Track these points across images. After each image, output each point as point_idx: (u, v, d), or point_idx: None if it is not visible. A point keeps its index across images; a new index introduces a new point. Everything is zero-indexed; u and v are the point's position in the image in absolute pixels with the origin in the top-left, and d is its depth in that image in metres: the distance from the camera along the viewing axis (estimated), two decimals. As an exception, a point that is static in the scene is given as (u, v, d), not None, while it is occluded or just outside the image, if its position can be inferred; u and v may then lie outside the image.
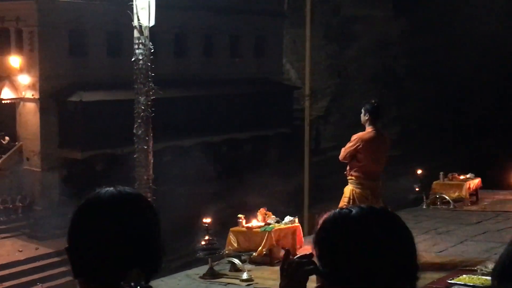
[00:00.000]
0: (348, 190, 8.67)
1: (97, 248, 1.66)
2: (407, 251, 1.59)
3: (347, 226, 1.58)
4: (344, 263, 1.54)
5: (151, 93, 13.30)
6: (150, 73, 13.23)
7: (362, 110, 8.62)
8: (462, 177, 14.92)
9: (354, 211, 1.62)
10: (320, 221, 1.66)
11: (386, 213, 1.64)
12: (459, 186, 14.55)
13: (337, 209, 1.67)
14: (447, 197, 14.35)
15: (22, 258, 21.84)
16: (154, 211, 1.77)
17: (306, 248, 10.16)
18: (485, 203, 14.71)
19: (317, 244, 1.63)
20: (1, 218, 24.44)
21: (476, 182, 14.92)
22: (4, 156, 26.24)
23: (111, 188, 1.75)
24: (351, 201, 8.57)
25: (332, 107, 36.81)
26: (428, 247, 10.26)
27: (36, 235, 23.71)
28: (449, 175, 14.97)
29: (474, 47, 33.76)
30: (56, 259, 21.57)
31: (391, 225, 1.60)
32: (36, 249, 22.58)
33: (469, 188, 14.54)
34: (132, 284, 1.62)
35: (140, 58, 13.05)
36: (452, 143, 31.75)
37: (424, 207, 14.46)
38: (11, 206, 24.96)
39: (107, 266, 1.65)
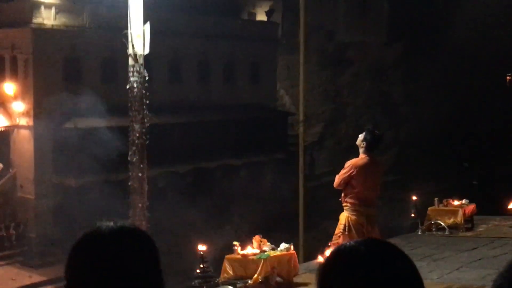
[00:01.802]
0: (344, 217, 8.65)
1: (96, 285, 1.62)
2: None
3: (353, 267, 1.54)
4: None
5: (146, 120, 13.29)
6: (145, 101, 13.24)
7: (362, 136, 8.58)
8: (457, 203, 14.90)
9: (361, 249, 1.58)
10: (323, 261, 1.63)
11: (394, 251, 1.60)
12: (454, 212, 14.53)
13: (341, 247, 1.63)
14: (442, 223, 14.32)
15: (15, 286, 21.63)
16: (154, 246, 1.75)
17: (301, 275, 10.11)
18: (481, 229, 14.69)
19: (320, 283, 1.59)
20: (-5, 246, 24.28)
21: (471, 208, 14.91)
22: (-2, 184, 26.14)
23: (111, 223, 1.72)
24: (346, 228, 8.55)
25: (326, 133, 36.88)
26: (423, 274, 10.15)
27: (30, 263, 23.54)
28: (444, 201, 14.95)
29: (469, 71, 33.97)
30: (49, 287, 21.40)
31: (399, 265, 1.57)
32: (30, 277, 22.41)
33: (464, 214, 14.51)
34: None
35: (135, 86, 13.07)
36: (448, 169, 31.78)
37: (420, 233, 14.42)
38: (4, 233, 24.80)
39: None
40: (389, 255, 1.56)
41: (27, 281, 22.10)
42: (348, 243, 1.62)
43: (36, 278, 22.32)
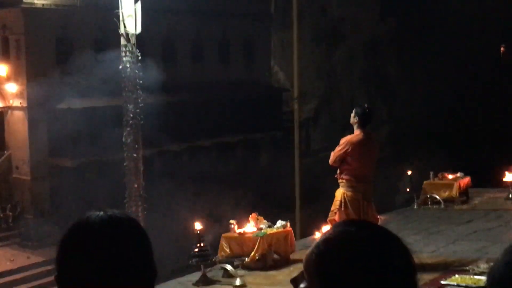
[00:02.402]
0: (340, 193, 8.67)
1: (87, 275, 1.60)
2: (408, 272, 1.56)
3: (352, 248, 1.53)
4: None
5: (139, 100, 13.27)
6: (138, 81, 13.20)
7: (353, 112, 8.63)
8: (452, 176, 14.96)
9: (358, 234, 1.56)
10: (321, 243, 1.62)
11: (385, 235, 1.59)
12: (450, 185, 14.58)
13: (337, 229, 1.62)
14: (437, 197, 14.38)
15: (13, 268, 21.74)
16: (146, 235, 1.72)
17: (298, 252, 10.16)
18: (476, 201, 14.76)
19: (315, 267, 1.58)
20: (-8, 228, 24.33)
21: (466, 181, 14.97)
22: (-7, 166, 26.14)
23: (101, 212, 1.68)
24: (342, 204, 8.57)
25: (321, 109, 36.85)
26: (419, 248, 10.27)
27: (27, 244, 23.61)
28: (439, 175, 15.00)
29: (464, 47, 33.88)
30: (48, 267, 21.45)
31: (389, 249, 1.56)
32: (28, 258, 22.49)
33: (460, 187, 14.57)
34: None
35: (128, 66, 13.03)
36: (442, 143, 31.84)
37: (415, 207, 14.48)
38: (1, 215, 24.84)
39: None
40: (379, 238, 1.55)
41: (25, 262, 22.18)
42: (337, 228, 1.61)
43: (34, 259, 22.40)
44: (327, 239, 1.58)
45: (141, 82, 13.34)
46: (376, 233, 1.56)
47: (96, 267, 1.60)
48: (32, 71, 25.59)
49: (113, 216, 1.68)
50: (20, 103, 25.89)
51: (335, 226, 1.65)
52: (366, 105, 8.87)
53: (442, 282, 7.67)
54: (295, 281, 1.62)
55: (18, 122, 26.27)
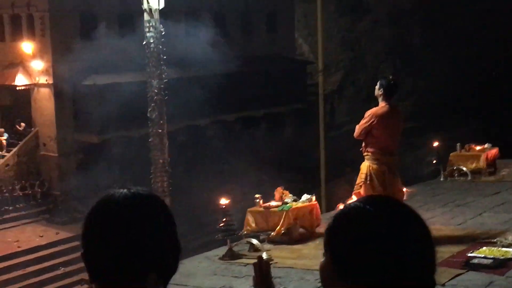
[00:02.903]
0: (365, 166, 8.62)
1: (111, 252, 1.62)
2: (424, 254, 1.53)
3: (359, 225, 1.52)
4: (355, 265, 1.49)
5: (163, 76, 13.27)
6: (162, 56, 13.19)
7: (378, 84, 8.57)
8: (479, 147, 14.78)
9: (368, 207, 1.55)
10: (331, 219, 1.62)
11: (403, 210, 1.57)
12: (477, 157, 14.41)
13: (350, 205, 1.62)
14: (464, 169, 14.23)
15: (43, 243, 22.07)
16: (169, 212, 1.73)
17: (324, 225, 10.15)
18: (503, 173, 14.57)
19: (328, 243, 1.58)
20: (21, 204, 24.66)
21: (493, 152, 14.78)
22: (21, 143, 26.43)
23: (125, 190, 1.70)
24: (368, 177, 8.54)
25: (346, 81, 36.60)
26: (446, 220, 10.22)
27: (56, 220, 23.94)
28: (466, 146, 14.83)
29: (491, 15, 33.30)
30: (76, 243, 21.74)
31: (408, 225, 1.54)
32: (57, 233, 22.81)
33: (487, 158, 14.40)
34: None
35: (151, 41, 13.01)
36: (468, 114, 31.48)
37: (442, 179, 14.36)
38: (30, 192, 25.18)
39: (122, 271, 1.61)
40: (396, 214, 1.53)
41: (54, 238, 22.51)
42: (353, 203, 1.61)
43: (62, 234, 22.71)
44: (338, 215, 1.59)
45: (165, 57, 13.33)
46: (387, 212, 1.54)
47: (120, 244, 1.62)
48: (57, 48, 25.72)
49: (136, 193, 1.70)
50: (46, 80, 26.07)
51: (352, 202, 1.64)
52: (391, 77, 8.79)
53: (469, 255, 7.62)
54: None
55: (44, 99, 26.49)
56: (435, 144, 15.17)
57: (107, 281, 1.65)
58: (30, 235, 22.86)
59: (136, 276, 1.61)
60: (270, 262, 8.79)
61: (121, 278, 1.62)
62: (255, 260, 2.27)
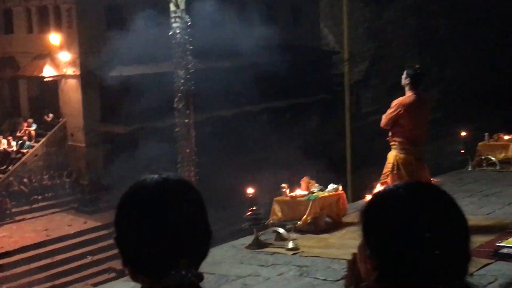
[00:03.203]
0: (392, 156, 8.59)
1: (143, 237, 1.65)
2: (460, 237, 1.54)
3: (395, 207, 1.53)
4: (390, 249, 1.50)
5: (189, 66, 13.31)
6: (188, 46, 13.23)
7: (404, 74, 8.52)
8: (508, 137, 14.61)
9: (401, 191, 1.56)
10: (366, 203, 1.63)
11: (439, 193, 1.58)
12: (505, 146, 14.26)
13: (384, 189, 1.63)
14: (493, 158, 14.09)
15: (71, 232, 22.35)
16: (200, 197, 1.76)
17: (350, 215, 10.15)
18: (533, 162, 14.41)
19: (363, 225, 1.60)
20: (50, 194, 24.98)
21: (522, 141, 14.61)
22: (49, 133, 26.73)
23: (156, 176, 1.73)
24: (395, 167, 8.50)
25: (371, 71, 36.38)
26: (474, 210, 10.14)
27: (84, 209, 24.22)
28: (495, 136, 14.67)
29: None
30: (104, 232, 22.01)
31: (444, 207, 1.54)
32: (85, 222, 23.08)
33: (516, 148, 14.24)
34: (183, 272, 1.63)
35: (177, 31, 13.06)
36: (495, 104, 31.11)
37: (470, 169, 14.23)
38: (58, 181, 25.48)
39: (155, 255, 1.64)
40: (430, 197, 1.54)
41: (82, 227, 22.78)
42: (388, 187, 1.62)
43: (90, 223, 22.97)
44: (373, 198, 1.60)
45: (191, 48, 13.37)
46: (421, 195, 1.55)
47: (153, 228, 1.65)
48: (84, 39, 25.92)
49: (168, 179, 1.73)
50: (74, 71, 26.31)
51: (386, 186, 1.66)
52: (417, 66, 8.73)
53: (498, 244, 7.56)
54: None
55: (72, 90, 26.73)
56: (463, 133, 15.03)
57: (139, 265, 1.68)
58: (59, 224, 23.15)
59: (168, 260, 1.64)
60: (297, 252, 8.83)
61: (153, 263, 1.65)
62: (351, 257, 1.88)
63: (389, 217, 1.53)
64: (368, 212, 1.60)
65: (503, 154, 14.13)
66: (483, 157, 14.26)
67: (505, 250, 7.35)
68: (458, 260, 1.51)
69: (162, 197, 1.68)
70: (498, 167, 13.91)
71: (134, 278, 1.71)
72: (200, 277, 1.69)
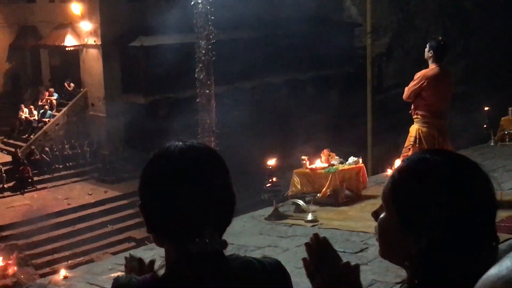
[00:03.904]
0: (414, 129, 8.50)
1: (168, 204, 1.64)
2: (487, 207, 1.49)
3: (430, 174, 1.48)
4: (422, 217, 1.45)
5: (211, 36, 13.23)
6: (209, 17, 13.14)
7: (427, 46, 8.38)
8: (531, 111, 14.42)
9: (432, 157, 1.51)
10: (395, 172, 1.57)
11: (468, 163, 1.53)
12: (529, 121, 14.09)
13: (412, 157, 1.57)
14: (516, 134, 13.94)
15: (92, 201, 22.54)
16: (224, 164, 1.73)
17: (370, 188, 10.11)
18: (556, 137, 14.22)
19: (393, 196, 1.54)
20: (71, 163, 25.18)
21: (546, 117, 14.40)
22: (70, 103, 26.87)
23: (180, 143, 1.71)
24: (417, 140, 8.41)
25: (394, 44, 35.97)
26: (496, 185, 10.04)
27: (104, 178, 24.39)
28: (518, 111, 14.49)
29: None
30: (124, 201, 22.19)
31: (474, 177, 1.50)
32: (105, 192, 23.26)
33: (540, 123, 14.06)
34: (207, 240, 1.62)
35: (199, 1, 12.96)
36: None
37: (492, 144, 14.09)
38: (79, 151, 25.66)
39: (179, 222, 1.63)
40: (456, 164, 1.49)
41: (103, 196, 22.96)
42: (415, 155, 1.56)
43: (111, 193, 23.15)
44: (402, 167, 1.55)
45: (212, 18, 13.28)
46: (453, 159, 1.51)
47: (178, 195, 1.63)
48: (105, 9, 25.87)
49: (192, 146, 1.71)
50: (95, 41, 26.32)
51: (411, 156, 1.60)
52: (440, 38, 8.57)
53: (520, 220, 7.50)
54: (376, 214, 1.60)
55: (92, 60, 26.78)
56: (486, 108, 14.86)
57: (164, 232, 1.67)
58: (80, 193, 23.36)
59: (193, 227, 1.63)
60: (316, 224, 8.82)
61: (178, 230, 1.64)
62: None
63: (424, 186, 1.47)
64: (400, 183, 1.53)
65: (526, 129, 13.97)
66: (506, 132, 14.11)
67: (526, 226, 7.28)
68: (491, 226, 1.48)
69: (187, 164, 1.67)
70: (521, 142, 13.77)
71: (159, 244, 1.72)
72: (224, 244, 1.68)
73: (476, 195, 1.45)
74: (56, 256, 20.00)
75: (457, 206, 1.43)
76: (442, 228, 1.42)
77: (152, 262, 1.96)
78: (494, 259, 1.37)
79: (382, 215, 1.57)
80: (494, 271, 1.00)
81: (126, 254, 2.29)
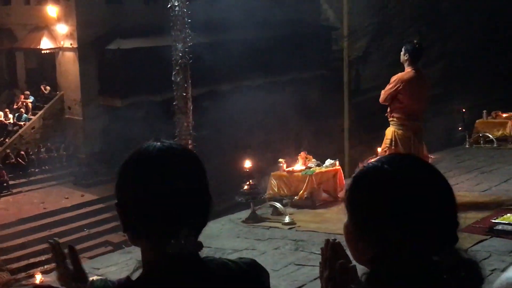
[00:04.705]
0: (390, 131, 8.58)
1: (144, 203, 1.64)
2: (446, 207, 1.52)
3: (379, 183, 1.51)
4: (372, 223, 1.48)
5: (188, 39, 13.22)
6: (186, 19, 13.12)
7: (403, 49, 8.48)
8: (506, 115, 14.62)
9: (386, 164, 1.54)
10: (351, 180, 1.61)
11: (422, 165, 1.55)
12: (503, 124, 14.27)
13: (368, 164, 1.60)
14: (490, 136, 14.12)
15: (68, 205, 22.36)
16: (202, 165, 1.75)
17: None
18: (530, 140, 14.41)
19: (348, 203, 1.58)
20: (47, 167, 24.97)
21: (520, 119, 14.59)
22: (46, 106, 26.65)
23: (158, 143, 1.72)
24: (393, 142, 8.50)
25: (371, 47, 36.18)
26: (471, 187, 10.16)
27: (81, 182, 24.21)
28: (493, 113, 14.69)
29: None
30: (101, 205, 22.05)
31: (429, 178, 1.52)
32: (82, 196, 23.09)
33: (514, 126, 14.23)
34: (183, 241, 1.63)
35: (176, 4, 12.94)
36: (496, 81, 31.03)
37: (467, 146, 14.26)
38: (55, 154, 25.45)
39: (155, 222, 1.64)
40: (415, 172, 1.52)
41: (80, 200, 22.80)
42: (372, 163, 1.59)
43: (88, 196, 22.99)
44: (356, 175, 1.59)
45: (189, 21, 13.27)
46: (406, 167, 1.53)
47: (154, 194, 1.64)
48: (81, 12, 25.70)
49: (170, 147, 1.72)
50: (71, 44, 26.14)
51: (371, 161, 1.63)
52: (415, 41, 8.69)
53: (493, 221, 7.59)
54: None
55: (69, 63, 26.59)
56: (462, 110, 15.04)
57: (139, 231, 1.68)
58: (56, 197, 23.17)
59: (168, 227, 1.63)
60: (293, 226, 8.84)
61: (154, 229, 1.65)
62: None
63: (375, 194, 1.51)
64: (353, 189, 1.58)
65: (500, 132, 14.16)
66: (480, 134, 14.29)
67: (500, 227, 7.38)
68: (446, 229, 1.50)
69: (164, 163, 1.68)
70: (495, 145, 13.94)
71: (135, 243, 1.72)
72: (200, 246, 1.69)
73: (427, 202, 1.48)
74: (32, 260, 19.81)
75: (406, 214, 1.45)
76: (393, 235, 1.45)
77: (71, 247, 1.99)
78: (451, 261, 1.40)
79: (345, 220, 1.60)
80: None
81: (51, 239, 2.27)
